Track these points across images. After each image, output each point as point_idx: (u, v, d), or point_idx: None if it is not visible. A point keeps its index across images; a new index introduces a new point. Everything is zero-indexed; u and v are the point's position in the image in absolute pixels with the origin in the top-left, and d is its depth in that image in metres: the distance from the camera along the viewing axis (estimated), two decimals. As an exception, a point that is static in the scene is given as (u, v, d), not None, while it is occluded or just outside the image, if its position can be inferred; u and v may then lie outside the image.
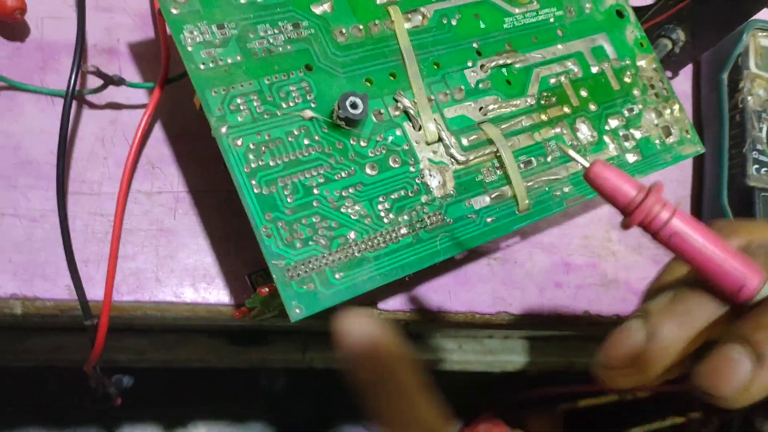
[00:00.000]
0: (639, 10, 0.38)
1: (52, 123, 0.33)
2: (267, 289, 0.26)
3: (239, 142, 0.27)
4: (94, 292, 0.32)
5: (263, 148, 0.27)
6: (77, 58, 0.31)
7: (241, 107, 0.27)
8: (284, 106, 0.28)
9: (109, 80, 0.32)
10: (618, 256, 0.41)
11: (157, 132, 0.35)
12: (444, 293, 0.37)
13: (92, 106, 0.34)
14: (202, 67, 0.27)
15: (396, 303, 0.36)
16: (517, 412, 0.79)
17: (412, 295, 0.36)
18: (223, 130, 0.26)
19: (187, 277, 0.33)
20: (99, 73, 0.31)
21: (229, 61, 0.27)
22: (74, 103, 0.33)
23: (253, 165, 0.26)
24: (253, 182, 0.26)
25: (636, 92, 0.35)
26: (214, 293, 0.34)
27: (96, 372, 0.34)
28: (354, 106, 0.27)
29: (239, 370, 0.61)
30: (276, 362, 0.61)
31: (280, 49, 0.29)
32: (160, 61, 0.34)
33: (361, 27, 0.30)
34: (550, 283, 0.39)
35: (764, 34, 0.41)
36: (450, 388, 0.34)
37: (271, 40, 0.28)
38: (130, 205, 0.33)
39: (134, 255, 0.33)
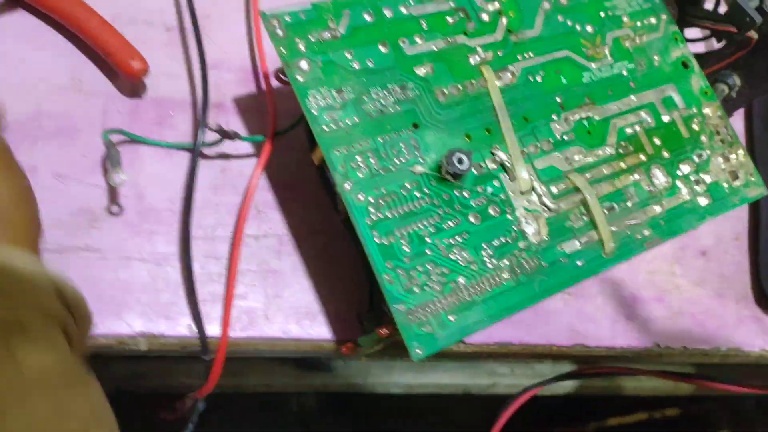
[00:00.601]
0: (697, 58, 0.41)
1: (170, 173, 0.37)
2: (386, 331, 0.29)
3: (361, 197, 0.29)
4: (211, 329, 0.35)
5: (381, 202, 0.30)
6: (204, 115, 0.34)
7: (361, 164, 0.30)
8: (397, 162, 0.31)
9: (226, 135, 0.35)
10: (682, 289, 0.43)
11: (262, 179, 0.38)
12: (523, 327, 0.39)
13: (205, 156, 0.37)
14: (326, 129, 0.30)
15: (480, 337, 0.38)
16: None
17: (494, 328, 0.39)
18: (347, 186, 0.29)
19: (292, 315, 0.36)
20: (219, 130, 0.35)
21: (348, 122, 0.31)
22: (190, 155, 0.37)
23: (373, 217, 0.29)
24: (375, 233, 0.29)
25: (704, 139, 0.38)
26: (317, 329, 0.36)
27: (197, 402, 0.37)
28: (460, 161, 0.30)
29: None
30: (338, 387, 0.64)
31: (391, 109, 0.32)
32: (262, 114, 0.37)
33: (458, 86, 0.33)
34: (621, 316, 0.41)
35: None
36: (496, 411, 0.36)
37: (383, 102, 0.31)
38: (240, 248, 0.36)
39: (245, 294, 0.36)
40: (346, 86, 0.31)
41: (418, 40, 0.33)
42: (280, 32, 0.31)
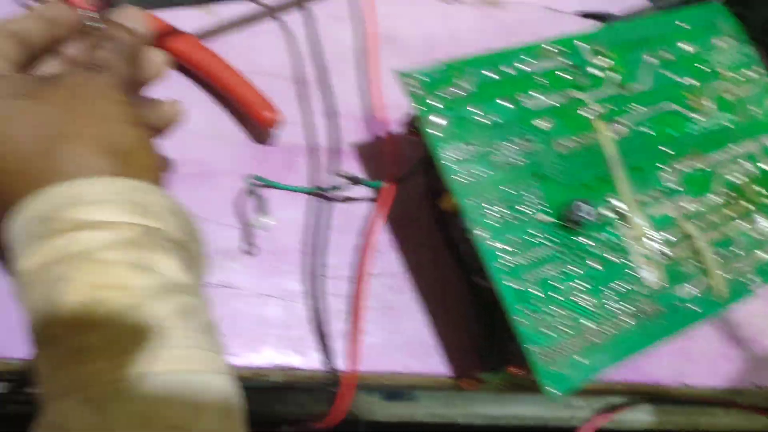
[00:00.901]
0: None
1: (298, 215, 0.39)
2: (516, 369, 0.31)
3: (493, 244, 0.32)
4: (337, 362, 0.37)
5: (511, 248, 0.32)
6: (335, 162, 0.37)
7: (491, 213, 0.32)
8: (523, 210, 0.33)
9: (352, 180, 0.38)
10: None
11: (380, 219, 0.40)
12: (625, 364, 0.41)
13: (329, 199, 0.40)
14: (459, 180, 0.32)
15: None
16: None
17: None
18: (480, 233, 0.32)
19: (410, 349, 0.38)
20: (347, 176, 0.37)
21: (479, 173, 0.33)
22: (314, 197, 0.39)
23: (504, 263, 0.32)
24: (507, 278, 0.31)
25: (805, 187, 0.40)
26: (435, 364, 0.38)
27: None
28: (583, 210, 0.33)
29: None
30: (423, 417, 0.65)
31: (516, 161, 0.34)
32: (377, 159, 0.39)
33: (575, 139, 0.36)
34: (723, 355, 0.43)
35: None
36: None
37: (508, 154, 0.34)
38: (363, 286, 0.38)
39: (366, 330, 0.38)
40: (475, 140, 0.33)
41: (536, 95, 0.36)
42: (415, 90, 0.33)
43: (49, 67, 0.30)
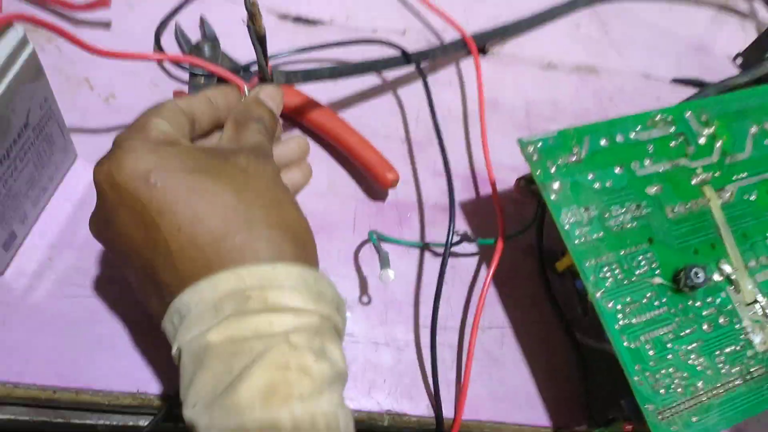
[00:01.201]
0: None
1: (408, 268, 0.41)
2: (631, 427, 0.32)
3: (610, 305, 0.33)
4: (446, 411, 0.39)
5: (627, 309, 0.33)
6: (451, 223, 0.39)
7: (608, 275, 0.34)
8: (637, 273, 0.34)
9: (466, 238, 0.40)
10: None
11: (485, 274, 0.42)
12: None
13: (437, 254, 0.42)
14: (577, 242, 0.34)
15: None
16: None
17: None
18: (598, 294, 0.33)
19: (514, 401, 0.40)
20: (463, 235, 0.39)
21: (595, 236, 0.35)
22: (427, 253, 0.41)
23: (621, 323, 0.33)
24: (624, 338, 0.33)
25: None
26: (538, 416, 0.40)
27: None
28: (697, 275, 0.34)
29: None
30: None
31: (629, 225, 0.35)
32: (481, 217, 0.41)
33: (684, 204, 0.37)
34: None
35: None
36: None
37: (622, 219, 0.35)
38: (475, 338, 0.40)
39: (473, 379, 0.40)
40: (590, 204, 0.35)
41: (646, 162, 0.37)
42: (535, 156, 0.35)
43: (209, 141, 0.33)
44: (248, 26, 0.33)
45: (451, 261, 0.42)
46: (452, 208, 0.40)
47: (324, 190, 0.42)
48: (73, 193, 0.39)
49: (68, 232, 0.38)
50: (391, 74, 0.47)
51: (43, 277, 0.37)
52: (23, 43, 0.29)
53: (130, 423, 0.37)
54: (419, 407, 0.39)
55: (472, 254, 0.43)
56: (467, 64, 0.48)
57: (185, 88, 0.42)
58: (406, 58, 0.43)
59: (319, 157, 0.43)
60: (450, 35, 0.49)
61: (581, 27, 0.52)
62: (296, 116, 0.42)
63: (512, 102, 0.48)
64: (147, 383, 0.36)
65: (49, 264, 0.37)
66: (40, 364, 0.35)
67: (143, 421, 0.37)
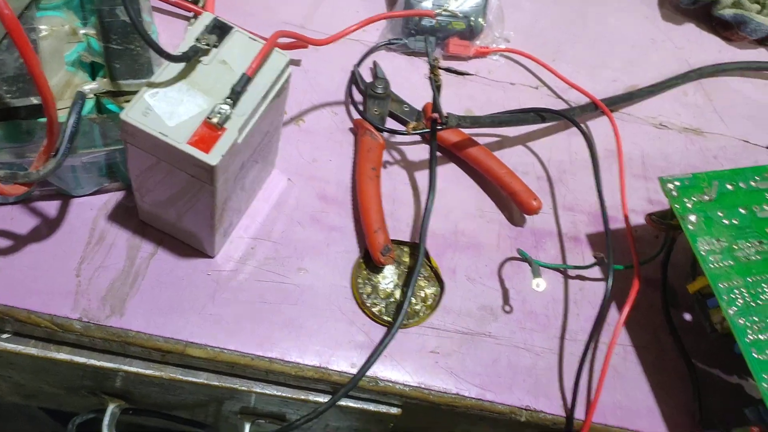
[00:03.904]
0: None
1: (545, 287, 0.45)
2: (758, 429, 0.35)
3: (740, 321, 0.37)
4: (576, 412, 0.42)
5: (755, 326, 0.37)
6: (608, 252, 0.43)
7: (737, 296, 0.37)
8: (763, 297, 0.38)
9: (601, 262, 0.44)
10: None
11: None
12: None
13: (569, 276, 0.46)
14: (711, 266, 0.38)
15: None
16: None
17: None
18: (731, 311, 0.37)
19: (634, 411, 0.43)
20: (598, 258, 0.43)
21: (725, 263, 0.38)
22: (560, 274, 0.45)
23: (751, 337, 0.36)
24: (753, 350, 0.36)
25: None
26: (653, 425, 0.42)
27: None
28: (815, 303, 0.37)
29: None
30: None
31: (753, 258, 0.39)
32: (606, 247, 0.44)
33: (800, 245, 0.40)
34: None
35: None
36: None
37: (747, 251, 0.39)
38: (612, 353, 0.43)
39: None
40: (721, 237, 0.39)
41: (765, 207, 0.41)
42: (674, 192, 0.39)
43: None
44: (430, 77, 0.38)
45: (580, 283, 0.46)
46: (607, 229, 0.43)
47: (474, 213, 0.47)
48: (271, 196, 0.44)
49: (266, 228, 0.43)
50: (535, 126, 0.51)
51: (246, 263, 0.41)
52: (287, 65, 0.34)
53: (311, 398, 0.41)
54: (553, 406, 0.42)
55: (599, 279, 0.46)
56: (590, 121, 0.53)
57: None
58: (555, 114, 0.48)
59: (471, 187, 0.48)
60: (572, 95, 0.53)
61: (689, 95, 0.56)
62: (456, 151, 0.47)
63: (629, 155, 0.52)
64: (327, 361, 0.40)
65: (252, 252, 0.42)
66: (242, 335, 0.39)
67: (322, 398, 0.41)
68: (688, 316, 0.46)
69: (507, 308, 0.44)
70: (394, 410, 0.43)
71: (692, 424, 0.42)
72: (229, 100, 0.33)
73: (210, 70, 0.34)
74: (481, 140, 0.49)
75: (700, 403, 0.42)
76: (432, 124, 0.42)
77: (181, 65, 0.33)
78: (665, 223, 0.42)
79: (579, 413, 0.42)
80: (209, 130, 0.32)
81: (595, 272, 0.46)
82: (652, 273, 0.46)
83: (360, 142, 0.46)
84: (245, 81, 0.33)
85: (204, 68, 0.34)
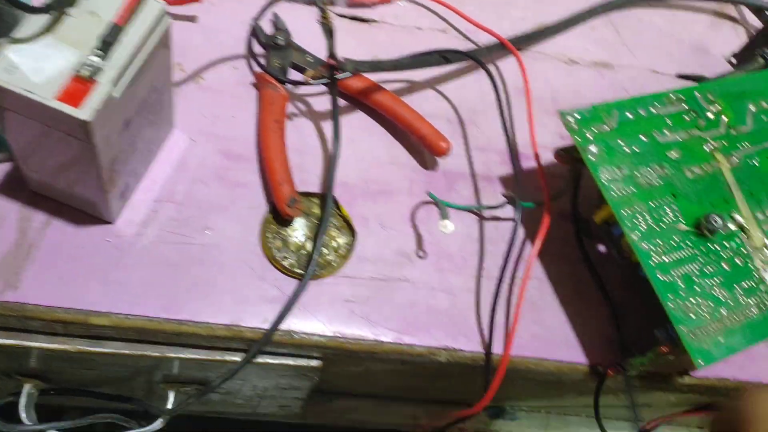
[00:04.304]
0: None
1: (459, 228, 0.45)
2: (667, 348, 0.36)
3: (644, 245, 0.37)
4: (494, 349, 0.42)
5: (659, 250, 0.37)
6: (517, 187, 0.42)
7: (640, 222, 0.37)
8: (665, 221, 0.38)
9: (511, 200, 0.43)
10: None
11: (521, 233, 0.45)
12: (735, 366, 0.44)
13: (483, 217, 0.46)
14: (613, 195, 0.38)
15: (701, 372, 0.44)
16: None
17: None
18: (634, 237, 0.37)
19: (552, 341, 0.43)
20: (507, 197, 0.43)
21: (627, 191, 0.38)
22: (473, 216, 0.45)
23: (655, 260, 0.37)
24: (658, 272, 0.36)
25: None
26: (573, 354, 0.43)
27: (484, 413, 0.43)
28: (716, 221, 0.37)
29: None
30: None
31: (655, 183, 0.39)
32: (518, 185, 0.44)
33: (700, 167, 0.41)
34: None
35: None
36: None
37: (648, 177, 0.39)
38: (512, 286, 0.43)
39: (517, 322, 0.43)
40: (622, 165, 0.39)
41: (666, 132, 0.41)
42: (574, 125, 0.39)
43: None
44: (321, 22, 0.37)
45: (495, 222, 0.46)
46: (515, 166, 0.43)
47: (385, 160, 0.46)
48: (172, 157, 0.42)
49: (168, 189, 0.41)
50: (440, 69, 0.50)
51: (149, 226, 0.40)
52: (162, 13, 0.32)
53: (228, 357, 0.40)
54: (472, 344, 0.42)
55: (510, 219, 0.46)
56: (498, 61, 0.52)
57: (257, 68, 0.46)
58: (459, 55, 0.47)
59: (381, 134, 0.47)
60: (482, 37, 0.52)
61: (597, 29, 0.56)
62: (363, 98, 0.45)
63: (540, 92, 0.51)
64: (239, 318, 0.39)
65: (154, 216, 0.40)
66: (148, 300, 0.38)
67: (239, 357, 0.40)
68: (602, 247, 0.46)
69: (421, 253, 0.43)
70: (314, 363, 0.42)
71: (610, 349, 0.43)
72: (99, 51, 0.31)
73: (78, 22, 0.31)
74: (390, 87, 0.48)
75: (618, 329, 0.42)
76: (329, 70, 0.40)
77: (46, 18, 0.31)
78: (571, 156, 0.41)
79: (498, 348, 0.42)
80: (79, 84, 0.30)
81: (511, 211, 0.46)
82: (566, 207, 0.46)
83: (262, 95, 0.44)
84: (116, 31, 0.31)
85: (72, 20, 0.31)
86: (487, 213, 0.45)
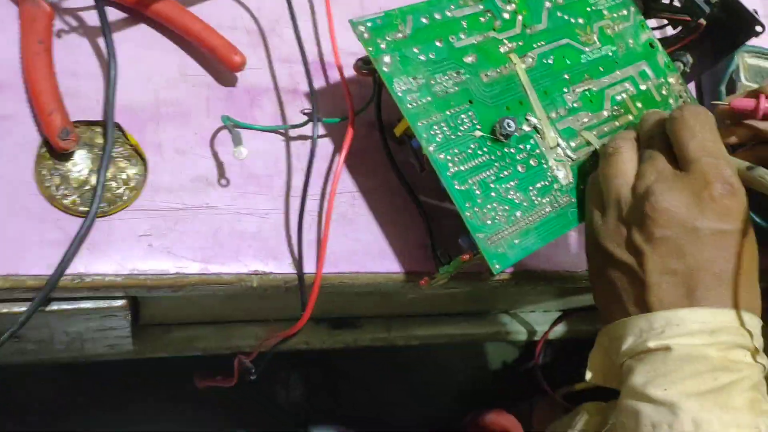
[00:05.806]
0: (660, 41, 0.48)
1: (265, 147, 0.42)
2: (468, 256, 0.36)
3: (441, 156, 0.36)
4: (307, 268, 0.40)
5: (456, 159, 0.36)
6: (314, 105, 0.39)
7: (438, 132, 0.36)
8: (462, 129, 0.37)
9: (312, 118, 0.40)
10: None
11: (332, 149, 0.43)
12: (542, 258, 0.46)
13: (290, 136, 0.43)
14: (409, 106, 0.36)
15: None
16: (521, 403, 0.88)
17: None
18: (431, 148, 0.36)
19: (368, 254, 0.42)
20: (308, 114, 0.40)
21: (424, 101, 0.37)
22: (279, 134, 0.42)
23: (452, 170, 0.36)
24: (455, 182, 0.35)
25: (671, 101, 0.46)
26: (390, 265, 0.42)
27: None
28: (509, 125, 0.37)
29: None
30: (365, 342, 0.68)
31: (451, 90, 0.38)
32: (327, 98, 0.41)
33: (496, 70, 0.40)
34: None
35: (749, 55, 0.52)
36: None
37: (445, 84, 0.38)
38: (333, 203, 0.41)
39: (331, 239, 0.41)
40: (418, 74, 0.37)
41: (461, 36, 0.39)
42: (366, 35, 0.36)
43: None
44: None
45: (302, 140, 0.43)
46: (295, 91, 0.40)
47: (176, 78, 0.41)
48: None
49: None
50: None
51: None
52: None
53: (15, 309, 0.36)
54: (283, 266, 0.40)
55: (322, 135, 0.43)
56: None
57: None
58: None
59: (167, 48, 0.42)
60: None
61: None
62: (143, 9, 0.40)
63: (347, -5, 0.48)
64: (17, 266, 0.34)
65: None
66: None
67: (18, 308, 0.36)
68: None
69: (223, 182, 0.40)
70: (118, 303, 0.39)
71: (425, 257, 0.42)
72: None
73: None
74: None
75: (431, 237, 0.42)
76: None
77: None
78: (370, 68, 0.39)
79: (310, 267, 0.40)
80: None
81: (321, 127, 0.43)
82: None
83: (22, 12, 0.38)
84: None
85: None
86: (293, 132, 0.42)
